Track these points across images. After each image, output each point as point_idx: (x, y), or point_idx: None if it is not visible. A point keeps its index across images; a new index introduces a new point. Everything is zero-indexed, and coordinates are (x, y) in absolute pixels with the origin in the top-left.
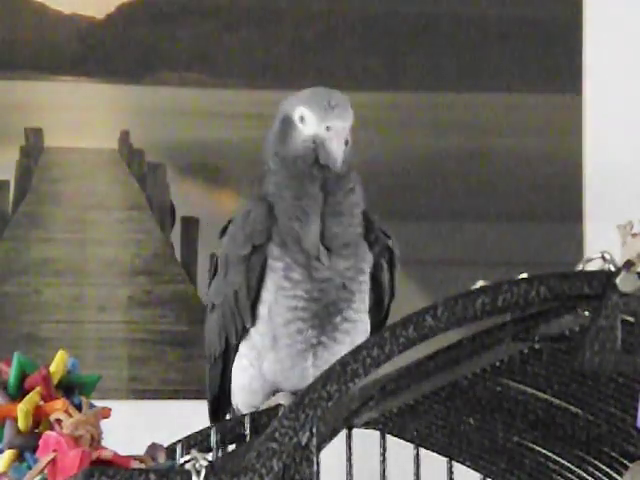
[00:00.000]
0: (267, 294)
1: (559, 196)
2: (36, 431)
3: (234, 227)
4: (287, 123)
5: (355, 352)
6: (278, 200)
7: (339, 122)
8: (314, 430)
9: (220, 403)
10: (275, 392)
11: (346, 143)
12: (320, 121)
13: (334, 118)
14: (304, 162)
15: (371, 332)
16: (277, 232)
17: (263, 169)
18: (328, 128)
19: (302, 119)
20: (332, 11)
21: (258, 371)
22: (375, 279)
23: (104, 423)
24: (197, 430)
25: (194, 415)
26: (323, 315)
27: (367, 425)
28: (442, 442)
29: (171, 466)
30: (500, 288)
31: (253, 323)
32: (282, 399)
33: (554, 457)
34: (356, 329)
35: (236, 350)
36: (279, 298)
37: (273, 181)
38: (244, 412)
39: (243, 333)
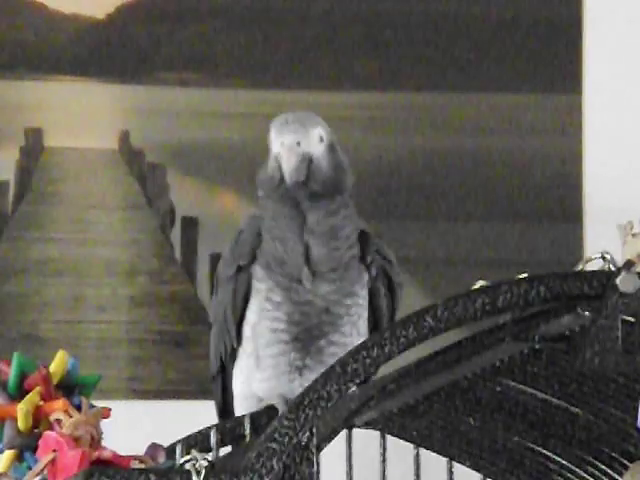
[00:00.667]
0: (251, 315)
1: (559, 196)
2: (36, 431)
3: (227, 247)
4: (269, 147)
5: (355, 352)
6: (262, 221)
7: (290, 136)
8: (314, 430)
9: (228, 416)
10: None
11: (310, 160)
12: (277, 138)
13: (286, 133)
14: (271, 182)
15: None
16: (261, 253)
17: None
18: (282, 144)
19: (270, 141)
20: (332, 11)
21: (249, 388)
22: (372, 303)
23: (104, 423)
24: (197, 430)
25: (194, 415)
26: (305, 338)
27: (367, 425)
28: (442, 442)
29: (171, 466)
30: (500, 288)
31: (239, 343)
32: (275, 400)
33: (554, 457)
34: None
35: (233, 366)
36: (262, 319)
37: (259, 203)
38: None
39: (233, 352)
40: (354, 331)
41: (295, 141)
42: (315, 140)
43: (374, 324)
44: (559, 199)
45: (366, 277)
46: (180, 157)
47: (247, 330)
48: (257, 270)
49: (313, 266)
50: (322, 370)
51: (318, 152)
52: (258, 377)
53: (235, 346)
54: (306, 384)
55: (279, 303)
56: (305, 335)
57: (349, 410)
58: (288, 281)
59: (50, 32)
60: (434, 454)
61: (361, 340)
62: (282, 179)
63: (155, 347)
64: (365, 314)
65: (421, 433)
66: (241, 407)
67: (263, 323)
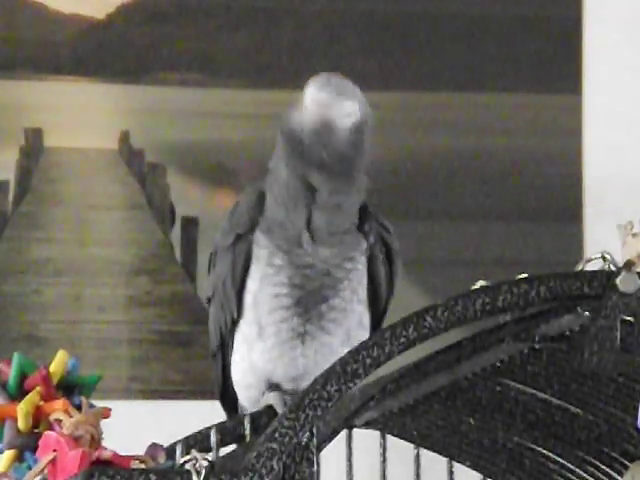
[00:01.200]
0: (252, 283)
1: (559, 196)
2: (36, 431)
3: (225, 218)
4: (298, 107)
5: (355, 352)
6: (272, 183)
7: (324, 97)
8: (314, 430)
9: (228, 398)
10: (269, 384)
11: (332, 130)
12: (311, 94)
13: (322, 92)
14: (292, 134)
15: (370, 328)
16: (264, 219)
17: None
18: (313, 101)
19: (305, 94)
20: (332, 11)
21: (249, 363)
22: (370, 271)
23: (104, 423)
24: (197, 430)
25: (194, 415)
26: (307, 302)
27: (367, 425)
28: (442, 442)
29: (171, 466)
30: (500, 288)
31: (240, 313)
32: (272, 400)
33: (554, 457)
34: (347, 319)
35: (232, 344)
36: (263, 286)
37: (272, 161)
38: (245, 406)
39: (233, 325)
40: (354, 297)
41: (327, 103)
42: (345, 113)
43: (373, 292)
44: (559, 199)
45: (364, 244)
46: (180, 157)
47: (248, 298)
48: (258, 236)
49: (313, 231)
50: (325, 337)
51: (343, 126)
52: (260, 347)
53: (235, 317)
54: (308, 352)
55: (281, 267)
56: (307, 299)
57: (349, 410)
58: (289, 245)
59: (50, 32)
60: (434, 454)
61: (361, 307)
62: (301, 135)
63: (155, 347)
64: (364, 281)
65: (421, 433)
66: (241, 395)
67: (265, 289)
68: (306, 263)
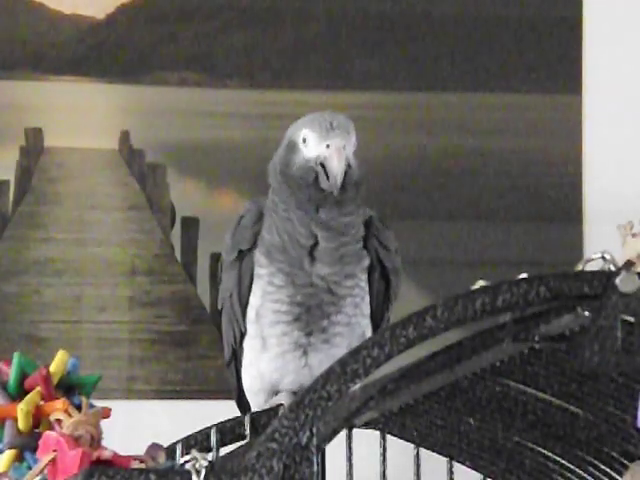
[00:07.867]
0: (254, 298)
1: (559, 196)
2: (36, 431)
3: (228, 233)
4: (291, 147)
5: (355, 352)
6: (265, 207)
7: (339, 140)
8: (314, 430)
9: (244, 403)
10: (276, 392)
11: (348, 166)
12: (321, 140)
13: (334, 137)
14: (305, 183)
15: None
16: (261, 241)
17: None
18: (328, 146)
19: (305, 141)
20: (332, 11)
21: (257, 372)
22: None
23: (104, 423)
24: (197, 430)
25: (194, 415)
26: (308, 318)
27: (367, 425)
28: (442, 442)
29: (171, 466)
30: (500, 288)
31: (246, 326)
32: (283, 399)
33: (554, 457)
34: (353, 332)
35: (242, 353)
36: (264, 302)
37: (271, 197)
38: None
39: (242, 336)
40: (357, 311)
41: (342, 144)
42: (352, 146)
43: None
44: (559, 199)
45: (367, 261)
46: (180, 157)
47: (251, 313)
48: (258, 256)
49: (317, 255)
50: (331, 350)
51: (351, 157)
52: (265, 357)
53: (244, 331)
54: (312, 362)
55: (281, 286)
56: (307, 315)
57: (349, 410)
58: (289, 267)
59: (50, 32)
60: (434, 454)
61: (365, 320)
62: (315, 183)
63: (155, 347)
64: (367, 297)
65: (421, 433)
66: (252, 401)
67: (266, 305)
68: (307, 282)
